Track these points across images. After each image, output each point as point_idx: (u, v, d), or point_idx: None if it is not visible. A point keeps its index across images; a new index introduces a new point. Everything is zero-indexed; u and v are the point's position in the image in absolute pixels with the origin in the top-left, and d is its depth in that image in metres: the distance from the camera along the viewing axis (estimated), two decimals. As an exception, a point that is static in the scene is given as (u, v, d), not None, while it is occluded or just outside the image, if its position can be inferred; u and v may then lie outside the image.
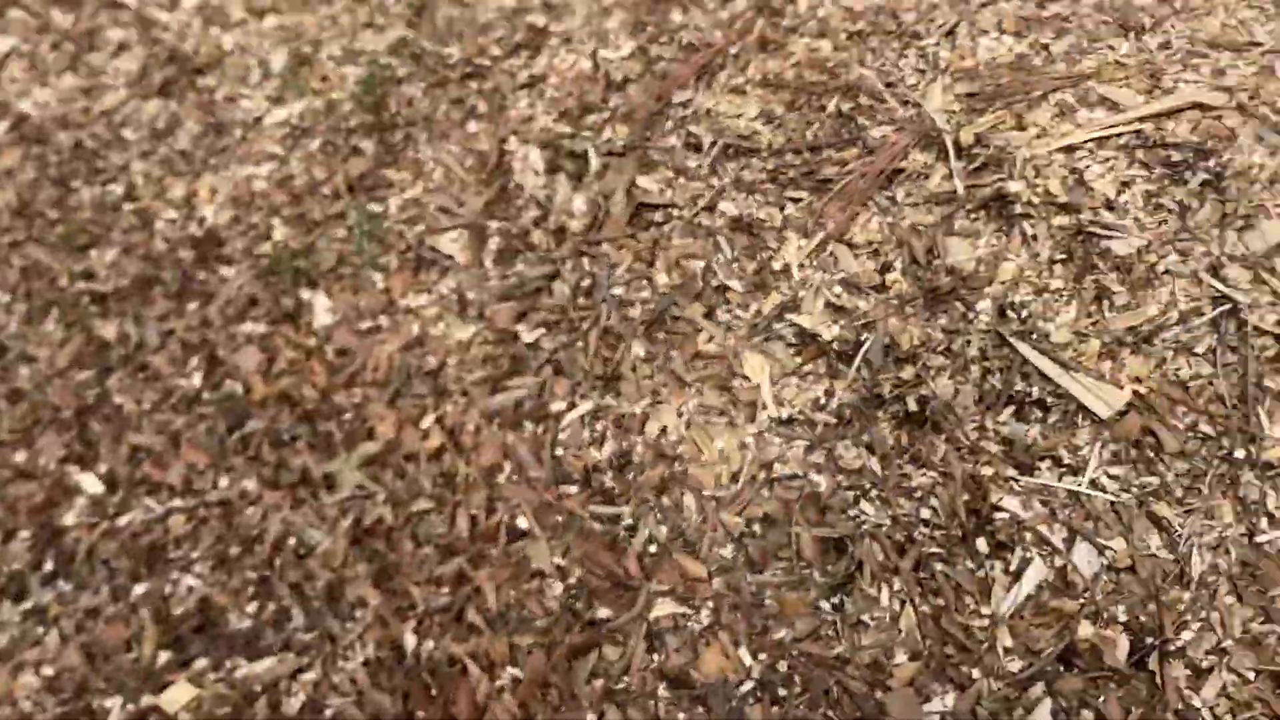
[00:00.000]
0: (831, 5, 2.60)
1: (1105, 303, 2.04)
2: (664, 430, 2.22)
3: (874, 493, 2.07)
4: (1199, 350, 1.98)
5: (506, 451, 2.24)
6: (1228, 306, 1.97)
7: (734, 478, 2.15)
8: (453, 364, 2.43)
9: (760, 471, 2.14)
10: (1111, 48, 2.30)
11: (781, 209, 2.39)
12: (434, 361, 2.44)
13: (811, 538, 2.05)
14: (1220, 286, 1.98)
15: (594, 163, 2.63)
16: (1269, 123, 2.09)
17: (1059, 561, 1.93)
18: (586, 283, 2.49)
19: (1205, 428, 1.94)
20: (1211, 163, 2.08)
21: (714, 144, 2.52)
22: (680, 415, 2.24)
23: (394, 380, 2.41)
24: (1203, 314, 1.98)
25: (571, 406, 2.31)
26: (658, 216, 2.52)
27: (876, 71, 2.43)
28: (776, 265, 2.32)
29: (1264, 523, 1.89)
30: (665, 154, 2.58)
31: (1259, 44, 2.27)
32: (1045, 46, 2.33)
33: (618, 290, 2.44)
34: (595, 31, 2.92)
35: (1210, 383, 1.96)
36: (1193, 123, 2.13)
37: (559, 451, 2.24)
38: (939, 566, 1.98)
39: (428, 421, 2.32)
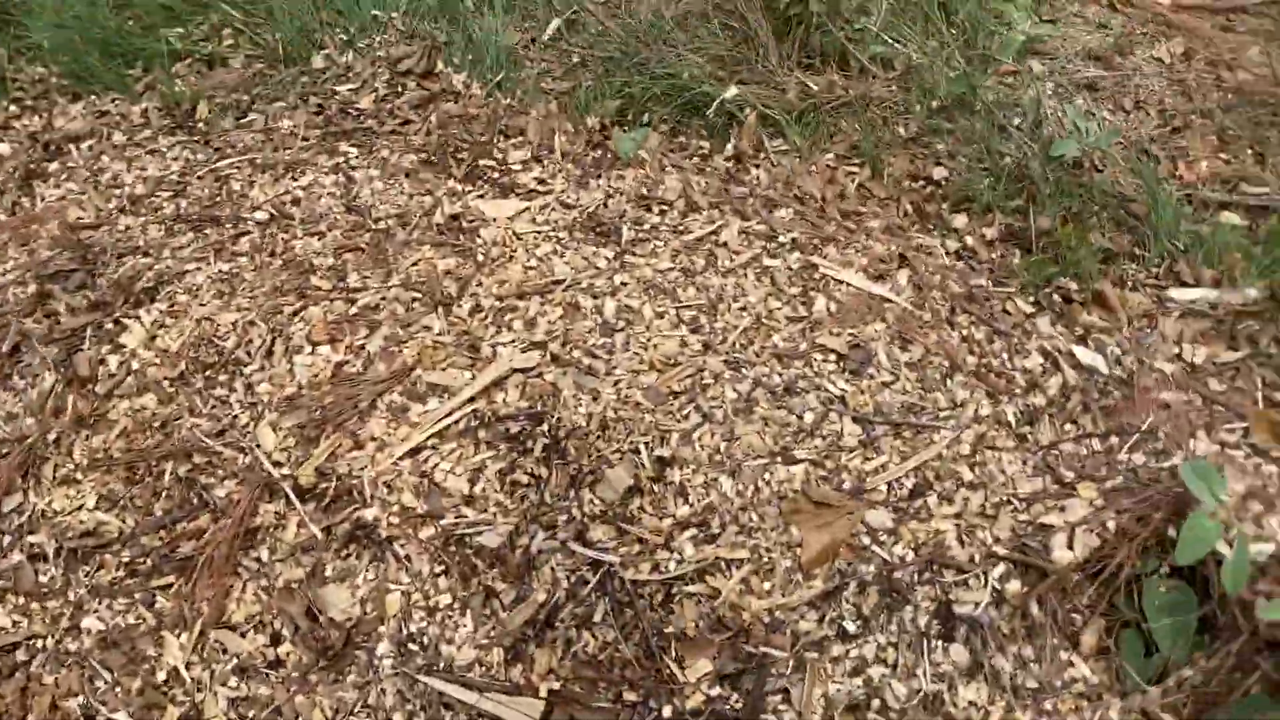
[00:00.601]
0: (145, 351, 2.35)
1: (496, 603, 1.95)
2: None
3: None
4: (597, 619, 1.93)
5: None
6: (606, 568, 1.94)
7: None
8: None
9: None
10: (427, 328, 2.24)
11: (151, 605, 2.09)
12: None
13: None
14: (590, 552, 1.94)
15: (-75, 616, 2.19)
16: (583, 366, 2.12)
17: None
18: (-46, 771, 2.04)
19: (630, 695, 1.88)
20: (546, 426, 2.06)
21: (60, 550, 2.18)
22: None
23: None
24: (587, 582, 1.94)
25: None
26: (20, 656, 2.13)
27: (207, 419, 2.22)
28: (162, 675, 2.02)
29: (714, 766, 1.85)
30: (10, 577, 2.20)
31: (560, 280, 2.31)
32: (361, 347, 2.23)
33: (-10, 769, 2.02)
34: (-102, 446, 2.47)
35: (618, 649, 1.91)
36: (519, 387, 2.11)
37: None
38: None
39: None
